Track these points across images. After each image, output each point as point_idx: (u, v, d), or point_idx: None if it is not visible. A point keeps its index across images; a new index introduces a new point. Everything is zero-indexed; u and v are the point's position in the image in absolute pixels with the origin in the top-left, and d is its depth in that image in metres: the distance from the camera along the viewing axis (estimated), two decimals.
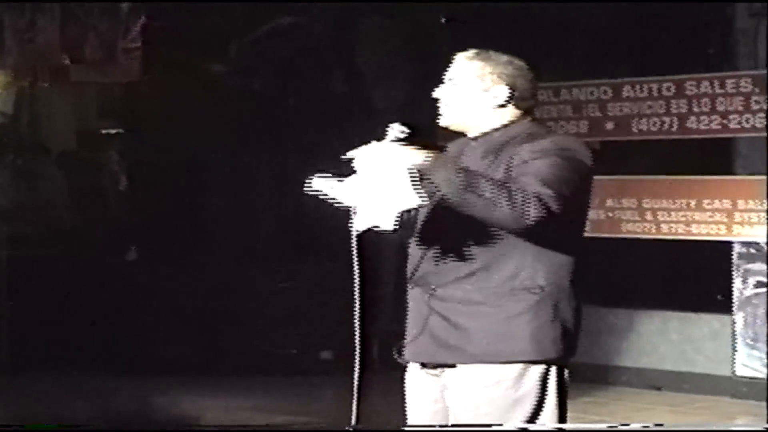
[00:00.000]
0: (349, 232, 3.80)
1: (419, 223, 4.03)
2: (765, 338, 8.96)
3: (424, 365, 4.06)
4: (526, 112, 4.05)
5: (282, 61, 10.55)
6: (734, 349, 9.14)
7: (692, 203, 9.19)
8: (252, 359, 9.71)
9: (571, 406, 4.05)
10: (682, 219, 9.23)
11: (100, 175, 11.20)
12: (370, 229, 3.76)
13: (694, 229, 9.19)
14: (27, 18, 10.52)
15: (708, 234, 9.14)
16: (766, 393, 8.13)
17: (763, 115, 8.86)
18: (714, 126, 9.10)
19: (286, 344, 9.98)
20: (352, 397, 3.87)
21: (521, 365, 3.89)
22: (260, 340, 9.92)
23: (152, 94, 10.69)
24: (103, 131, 11.24)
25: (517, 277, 3.89)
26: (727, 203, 9.05)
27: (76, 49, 10.53)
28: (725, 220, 9.07)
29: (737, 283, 9.13)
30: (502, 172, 3.86)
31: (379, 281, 7.79)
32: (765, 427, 5.58)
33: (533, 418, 3.91)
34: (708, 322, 9.33)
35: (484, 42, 4.11)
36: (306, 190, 3.80)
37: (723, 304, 9.20)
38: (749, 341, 9.07)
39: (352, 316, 3.86)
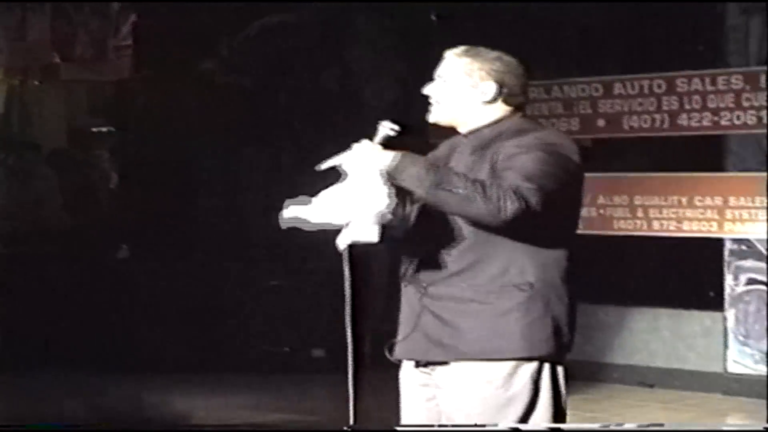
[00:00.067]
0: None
1: (411, 220, 4.03)
2: (756, 335, 8.97)
3: (417, 364, 4.05)
4: (517, 108, 4.04)
5: (273, 59, 10.54)
6: (725, 346, 9.14)
7: (683, 200, 9.19)
8: (244, 357, 9.70)
9: None
10: (674, 216, 9.24)
11: (91, 173, 11.19)
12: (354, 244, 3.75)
13: (685, 226, 9.20)
14: (18, 16, 10.51)
15: (699, 231, 9.14)
16: (766, 392, 8.13)
17: (754, 112, 8.87)
18: (705, 123, 9.11)
19: (278, 342, 9.97)
20: (345, 395, 3.87)
21: (512, 363, 3.87)
22: (253, 339, 9.92)
23: (143, 92, 10.68)
24: (94, 129, 11.22)
25: (506, 274, 3.87)
26: (718, 200, 9.06)
27: (67, 47, 10.53)
28: (716, 217, 9.07)
29: (728, 280, 9.14)
30: (488, 167, 3.85)
31: (371, 279, 7.82)
32: (765, 427, 5.57)
33: (526, 416, 3.88)
34: (699, 319, 9.33)
35: (476, 39, 4.11)
36: (282, 225, 3.79)
37: (714, 301, 9.21)
38: (740, 338, 9.08)
39: (345, 314, 3.86)
